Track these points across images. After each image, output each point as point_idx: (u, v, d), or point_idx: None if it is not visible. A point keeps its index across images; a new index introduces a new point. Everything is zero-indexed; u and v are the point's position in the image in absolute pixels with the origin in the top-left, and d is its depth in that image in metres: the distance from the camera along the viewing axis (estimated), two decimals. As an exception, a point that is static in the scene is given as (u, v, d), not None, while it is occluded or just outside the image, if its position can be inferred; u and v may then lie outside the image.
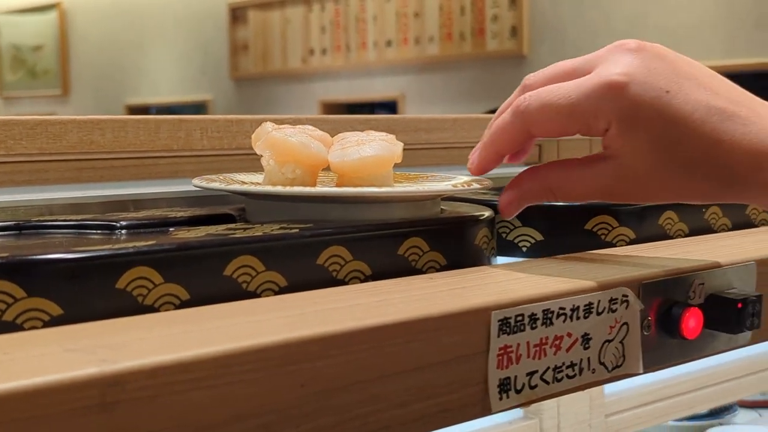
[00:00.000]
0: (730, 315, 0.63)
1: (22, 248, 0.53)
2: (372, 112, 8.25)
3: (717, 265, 0.64)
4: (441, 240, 0.61)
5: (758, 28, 4.77)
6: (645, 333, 0.60)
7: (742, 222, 0.84)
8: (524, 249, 0.73)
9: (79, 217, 0.60)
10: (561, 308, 0.55)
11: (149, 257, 0.48)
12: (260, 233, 0.53)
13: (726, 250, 0.68)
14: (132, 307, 0.47)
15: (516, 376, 0.53)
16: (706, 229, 0.79)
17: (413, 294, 0.52)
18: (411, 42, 6.45)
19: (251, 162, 0.77)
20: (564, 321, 0.55)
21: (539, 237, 0.72)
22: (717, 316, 0.64)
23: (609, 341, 0.58)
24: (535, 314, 0.53)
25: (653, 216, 0.76)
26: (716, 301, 0.63)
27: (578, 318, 0.56)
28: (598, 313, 0.57)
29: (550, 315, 0.54)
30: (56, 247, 0.50)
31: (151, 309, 0.48)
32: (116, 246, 0.49)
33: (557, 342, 0.55)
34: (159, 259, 0.48)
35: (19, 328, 0.44)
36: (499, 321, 0.52)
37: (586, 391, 1.09)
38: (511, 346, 0.52)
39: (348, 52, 6.89)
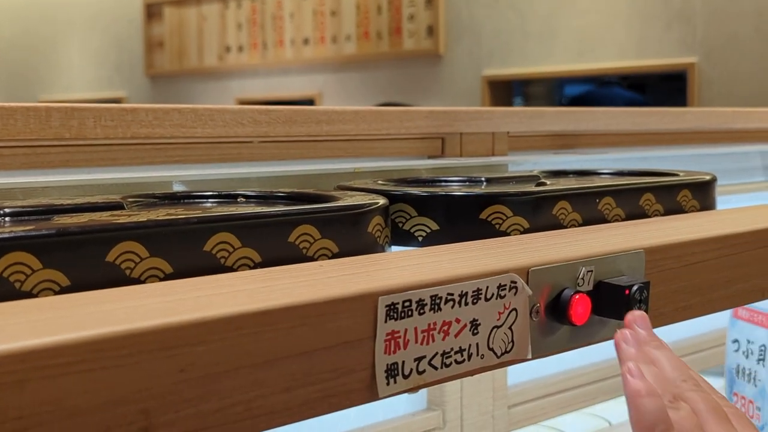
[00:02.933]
0: (618, 301, 0.65)
1: None
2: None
3: (607, 253, 0.65)
4: (332, 228, 0.61)
5: (669, 29, 4.88)
6: (534, 319, 0.61)
7: (635, 213, 0.85)
8: (420, 239, 0.73)
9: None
10: (449, 294, 0.55)
11: (27, 242, 0.47)
12: (144, 219, 0.52)
13: (617, 239, 0.70)
14: (9, 292, 0.46)
15: (404, 362, 0.53)
16: (600, 220, 0.80)
17: (300, 280, 0.52)
18: (328, 40, 6.44)
19: (146, 151, 0.77)
20: (452, 307, 0.55)
21: (435, 226, 0.73)
22: (605, 303, 0.65)
23: (498, 327, 0.58)
24: (423, 300, 0.54)
25: (547, 206, 0.77)
26: (604, 288, 0.65)
27: (467, 304, 0.56)
28: (487, 299, 0.57)
29: (438, 301, 0.54)
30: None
31: (29, 295, 0.47)
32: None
33: (445, 327, 0.55)
34: (37, 245, 0.47)
35: None
36: (386, 306, 0.52)
37: (489, 382, 1.10)
38: (398, 332, 0.53)
39: (265, 50, 6.85)
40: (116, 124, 0.73)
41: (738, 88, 4.64)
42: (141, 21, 7.56)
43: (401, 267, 0.57)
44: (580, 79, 6.38)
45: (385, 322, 0.52)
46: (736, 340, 1.29)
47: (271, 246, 0.57)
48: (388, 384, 0.52)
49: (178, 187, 0.75)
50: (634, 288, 0.65)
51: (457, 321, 0.56)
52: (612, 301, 0.65)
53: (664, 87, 6.86)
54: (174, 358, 0.42)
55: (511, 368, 1.14)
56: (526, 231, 0.74)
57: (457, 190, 0.79)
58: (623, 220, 0.82)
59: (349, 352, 0.50)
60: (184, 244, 0.53)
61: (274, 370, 0.46)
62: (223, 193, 0.72)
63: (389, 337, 0.52)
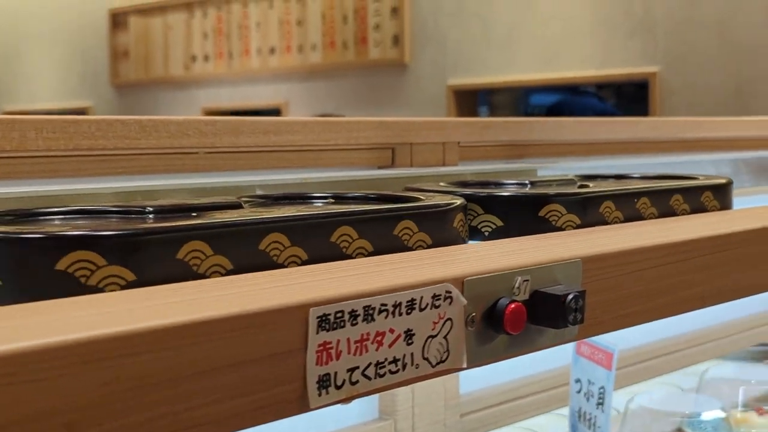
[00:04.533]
0: (554, 310, 0.65)
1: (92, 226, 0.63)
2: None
3: (543, 263, 0.66)
4: (428, 222, 0.71)
5: (631, 38, 4.92)
6: (469, 328, 0.61)
7: (666, 212, 0.93)
8: (486, 233, 0.82)
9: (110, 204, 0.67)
10: (383, 305, 0.56)
11: (203, 232, 0.58)
12: (289, 213, 0.65)
13: (555, 249, 0.71)
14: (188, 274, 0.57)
15: (336, 372, 0.53)
16: (638, 217, 0.86)
17: (232, 291, 0.52)
18: (294, 50, 6.45)
19: (90, 163, 0.77)
20: (386, 317, 0.56)
21: (500, 223, 0.82)
22: (541, 312, 0.66)
23: (433, 337, 0.59)
24: (356, 311, 0.54)
25: (595, 205, 0.84)
26: (540, 297, 0.65)
27: (401, 314, 0.57)
28: (421, 309, 0.58)
29: (371, 311, 0.55)
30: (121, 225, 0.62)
31: (203, 276, 0.58)
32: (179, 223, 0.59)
33: (379, 338, 0.56)
34: (210, 235, 0.58)
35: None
36: (317, 318, 0.52)
37: (441, 391, 1.11)
38: (330, 343, 0.53)
39: (231, 59, 6.84)
40: (58, 136, 0.73)
41: (700, 97, 4.69)
42: (106, 30, 7.53)
43: (333, 278, 0.58)
44: (547, 88, 6.43)
45: (317, 333, 0.52)
46: (578, 380, 1.16)
47: (380, 238, 0.68)
48: (320, 395, 0.53)
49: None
50: (570, 297, 0.66)
51: (391, 331, 0.57)
52: (548, 309, 0.66)
53: (633, 95, 6.93)
54: (99, 371, 0.42)
55: (463, 376, 1.15)
56: (578, 226, 0.83)
57: (516, 191, 0.91)
58: (656, 217, 0.89)
59: (280, 364, 0.50)
60: (317, 236, 0.64)
61: (202, 382, 0.47)
62: (317, 194, 0.82)
63: (321, 348, 0.53)
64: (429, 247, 0.71)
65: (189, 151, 0.84)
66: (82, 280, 0.54)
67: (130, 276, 0.55)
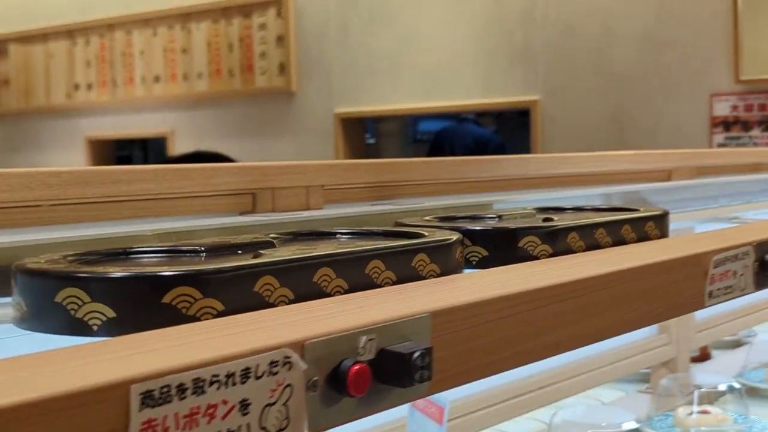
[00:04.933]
0: (399, 369, 0.64)
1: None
2: (144, 149, 8.04)
3: (390, 320, 0.65)
4: (437, 254, 0.80)
5: (512, 68, 5.01)
6: (311, 393, 0.60)
7: (618, 241, 0.97)
8: (474, 263, 0.88)
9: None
10: (214, 376, 0.53)
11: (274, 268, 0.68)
12: (332, 250, 0.75)
13: (402, 304, 0.69)
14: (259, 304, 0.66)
15: (163, 450, 0.51)
16: (596, 247, 0.85)
17: (46, 369, 0.50)
18: (179, 78, 6.36)
19: None
20: (218, 388, 0.54)
21: (485, 253, 0.90)
22: (387, 371, 0.64)
23: (271, 405, 0.57)
24: (184, 384, 0.52)
25: (563, 236, 0.90)
26: (386, 356, 0.64)
27: (234, 384, 0.55)
28: (258, 377, 0.56)
29: (201, 384, 0.53)
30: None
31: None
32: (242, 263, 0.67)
33: (211, 410, 0.54)
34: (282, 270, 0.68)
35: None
36: (140, 395, 0.50)
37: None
38: (156, 420, 0.51)
39: (115, 88, 6.72)
40: None
41: (580, 125, 4.80)
42: (-16, 58, 7.32)
43: (162, 348, 0.55)
44: (432, 115, 6.49)
45: (140, 411, 0.50)
46: (414, 433, 1.12)
47: (402, 269, 0.78)
48: (145, 474, 0.50)
49: None
50: (416, 354, 0.65)
51: (225, 402, 0.54)
52: (393, 368, 0.65)
53: (515, 122, 7.05)
54: None
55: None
56: (551, 255, 0.92)
57: (497, 224, 1.00)
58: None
59: (100, 445, 0.48)
60: (355, 268, 0.74)
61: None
62: (329, 231, 0.91)
63: (146, 426, 0.50)
64: (439, 275, 0.82)
65: (32, 205, 0.81)
66: (183, 311, 0.63)
67: (220, 306, 0.64)
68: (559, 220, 1.01)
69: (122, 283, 0.64)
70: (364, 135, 6.00)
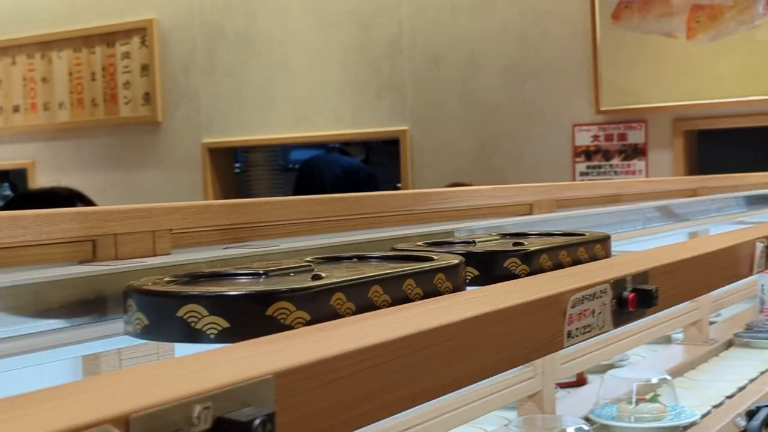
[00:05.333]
0: (239, 438, 0.60)
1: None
2: (6, 181, 7.74)
3: (229, 385, 0.61)
4: (451, 274, 0.95)
5: (380, 98, 5.03)
6: (138, 470, 0.55)
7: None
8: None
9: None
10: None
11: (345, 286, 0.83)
12: (387, 270, 0.91)
13: (243, 365, 0.65)
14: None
15: None
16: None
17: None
18: (40, 108, 6.16)
19: None
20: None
21: (476, 273, 1.08)
22: (226, 441, 0.60)
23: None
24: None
25: (536, 258, 1.03)
26: (224, 425, 0.60)
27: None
28: (75, 458, 0.51)
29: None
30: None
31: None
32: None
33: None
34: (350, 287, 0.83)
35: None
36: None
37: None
38: None
39: (-29, 118, 6.45)
40: None
41: (448, 153, 4.84)
42: None
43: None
44: (304, 145, 6.46)
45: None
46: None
47: (427, 285, 0.92)
48: None
49: None
50: (257, 422, 0.60)
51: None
52: (233, 437, 0.60)
53: (385, 150, 7.09)
54: None
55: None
56: (529, 274, 1.11)
57: (482, 248, 1.16)
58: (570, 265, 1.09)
59: None
60: (396, 285, 0.87)
61: None
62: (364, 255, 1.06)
63: None
64: (452, 291, 0.96)
65: None
66: (282, 321, 0.79)
67: (308, 317, 0.81)
68: (530, 244, 1.20)
69: (235, 299, 0.80)
70: (233, 165, 5.92)
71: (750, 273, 1.73)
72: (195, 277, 0.90)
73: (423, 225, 1.56)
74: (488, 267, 1.10)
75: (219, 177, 5.64)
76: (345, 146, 6.21)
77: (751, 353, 2.79)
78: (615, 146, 4.43)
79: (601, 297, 1.16)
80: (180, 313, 0.80)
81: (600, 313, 1.16)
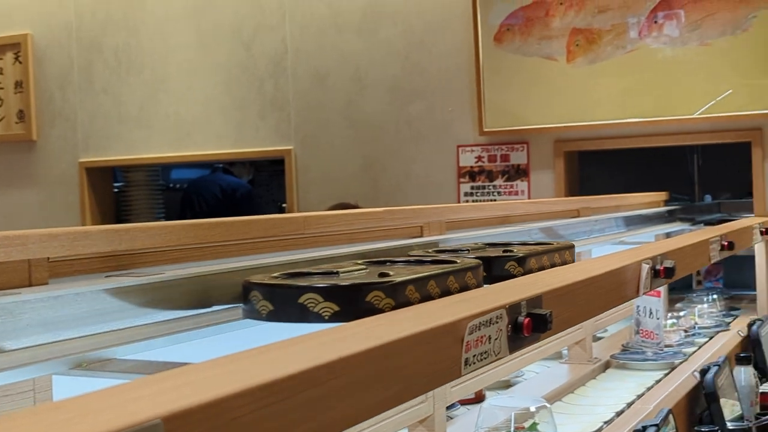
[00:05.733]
0: (127, 490, 0.55)
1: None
2: None
3: (113, 431, 0.56)
4: (474, 273, 1.30)
5: (264, 118, 4.97)
6: None
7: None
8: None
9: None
10: None
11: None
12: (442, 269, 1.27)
13: (130, 406, 0.60)
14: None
15: None
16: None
17: None
18: None
19: None
20: None
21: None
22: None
23: None
24: None
25: (527, 262, 1.43)
26: (109, 477, 0.55)
27: None
28: None
29: None
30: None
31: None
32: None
33: None
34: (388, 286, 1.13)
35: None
36: None
37: None
38: None
39: None
40: None
41: (333, 173, 4.82)
42: None
43: None
44: (186, 164, 6.34)
45: None
46: None
47: (470, 280, 1.26)
48: None
49: None
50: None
51: None
52: (120, 489, 0.55)
53: (270, 170, 7.01)
54: None
55: None
56: (524, 274, 1.48)
57: (491, 254, 1.55)
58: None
59: None
60: (459, 278, 1.23)
61: None
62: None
63: None
64: (477, 286, 1.31)
65: None
66: (376, 305, 1.11)
67: (393, 303, 1.12)
68: (519, 250, 1.58)
69: (344, 289, 1.12)
70: (112, 184, 5.77)
71: (637, 294, 1.75)
72: (292, 275, 1.22)
73: (313, 249, 1.52)
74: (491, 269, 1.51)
75: (97, 197, 5.48)
76: (230, 166, 6.12)
77: (628, 375, 2.84)
78: (498, 167, 4.48)
79: (497, 323, 1.14)
80: (301, 300, 1.11)
81: (496, 339, 1.14)
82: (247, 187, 6.19)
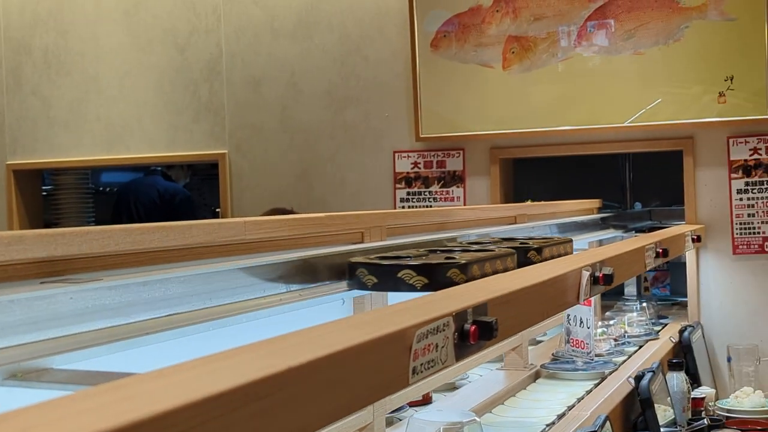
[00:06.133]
0: None
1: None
2: None
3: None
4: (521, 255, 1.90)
5: (198, 121, 4.91)
6: None
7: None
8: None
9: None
10: None
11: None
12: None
13: (71, 422, 0.57)
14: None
15: None
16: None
17: None
18: None
19: None
20: None
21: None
22: None
23: None
24: None
25: (543, 252, 1.79)
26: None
27: None
28: None
29: None
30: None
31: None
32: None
33: None
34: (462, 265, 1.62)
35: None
36: None
37: None
38: None
39: None
40: None
41: (269, 178, 4.77)
42: None
43: None
44: (118, 168, 6.23)
45: None
46: None
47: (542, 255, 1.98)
48: None
49: None
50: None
51: None
52: None
53: (206, 174, 6.92)
54: None
55: None
56: (544, 259, 1.95)
57: (517, 245, 2.04)
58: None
59: None
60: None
61: None
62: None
63: None
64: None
65: None
66: (454, 279, 1.57)
67: (465, 278, 1.58)
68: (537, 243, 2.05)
69: (431, 266, 1.58)
70: (41, 188, 5.64)
71: (577, 301, 1.75)
72: (382, 258, 1.68)
73: (254, 255, 1.49)
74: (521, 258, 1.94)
75: (25, 200, 5.35)
76: (167, 169, 6.03)
77: (558, 385, 2.83)
78: (434, 173, 4.48)
79: (444, 330, 1.13)
80: (399, 275, 1.59)
81: (443, 347, 1.12)
82: (185, 192, 6.11)
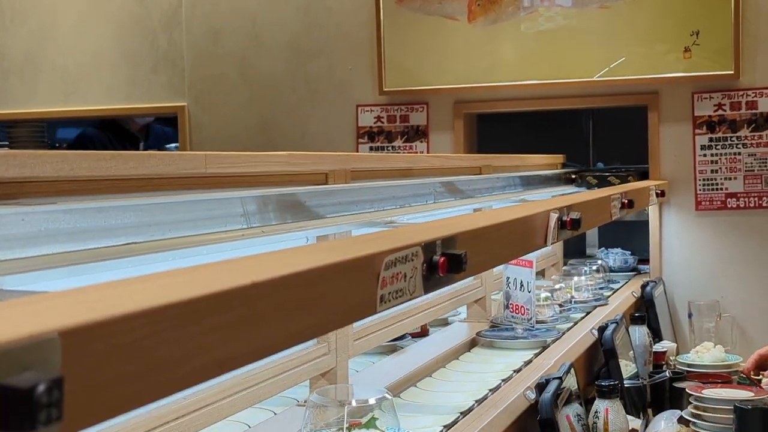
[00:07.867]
0: (18, 408, 0.48)
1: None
2: None
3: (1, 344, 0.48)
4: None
5: (156, 72, 4.81)
6: None
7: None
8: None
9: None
10: None
11: None
12: None
13: (22, 320, 0.53)
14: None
15: None
16: None
17: None
18: None
19: None
20: None
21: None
22: (1, 412, 0.48)
23: None
24: None
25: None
26: (-1, 393, 0.48)
27: None
28: None
29: None
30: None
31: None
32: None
33: None
34: None
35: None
36: None
37: None
38: None
39: None
40: None
41: (229, 131, 4.70)
42: None
43: None
44: (73, 120, 6.11)
45: None
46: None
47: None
48: None
49: None
50: (40, 389, 0.49)
51: None
52: (9, 408, 0.48)
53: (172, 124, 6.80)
54: None
55: None
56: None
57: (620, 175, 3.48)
58: None
59: None
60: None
61: None
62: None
63: None
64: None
65: None
66: None
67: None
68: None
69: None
70: (-4, 141, 5.52)
71: (545, 243, 1.73)
72: None
73: (214, 190, 1.45)
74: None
75: (-22, 153, 5.23)
76: (124, 123, 5.91)
77: (495, 355, 2.55)
78: (398, 128, 4.43)
79: (413, 260, 1.09)
80: None
81: (411, 277, 1.09)
82: (144, 144, 6.00)
